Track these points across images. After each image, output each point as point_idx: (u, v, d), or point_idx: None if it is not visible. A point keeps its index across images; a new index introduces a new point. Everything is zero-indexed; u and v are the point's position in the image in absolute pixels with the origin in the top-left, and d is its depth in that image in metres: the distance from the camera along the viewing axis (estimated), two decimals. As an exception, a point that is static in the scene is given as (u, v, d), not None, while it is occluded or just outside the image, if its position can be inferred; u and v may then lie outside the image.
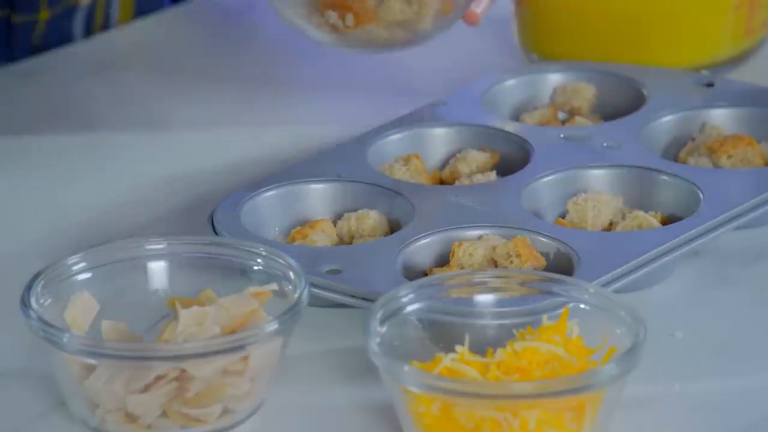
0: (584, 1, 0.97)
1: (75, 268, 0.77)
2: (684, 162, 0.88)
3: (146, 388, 0.72)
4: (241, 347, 0.73)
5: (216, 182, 0.91)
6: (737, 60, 0.99)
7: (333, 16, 0.88)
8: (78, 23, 1.06)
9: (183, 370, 0.72)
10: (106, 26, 1.07)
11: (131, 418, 0.72)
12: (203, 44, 1.06)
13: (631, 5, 0.96)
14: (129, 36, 1.07)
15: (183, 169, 0.93)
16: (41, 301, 0.75)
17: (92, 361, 0.72)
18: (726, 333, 0.78)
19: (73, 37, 1.06)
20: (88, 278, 0.76)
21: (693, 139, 0.89)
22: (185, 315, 0.73)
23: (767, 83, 0.93)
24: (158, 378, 0.72)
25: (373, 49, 0.89)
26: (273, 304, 0.76)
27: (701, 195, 0.84)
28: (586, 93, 0.94)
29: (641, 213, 0.84)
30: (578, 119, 0.92)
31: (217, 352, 0.72)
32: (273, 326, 0.73)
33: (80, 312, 0.74)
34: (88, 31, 1.06)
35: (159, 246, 0.77)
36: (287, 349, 0.76)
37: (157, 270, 0.77)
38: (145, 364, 0.71)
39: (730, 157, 0.87)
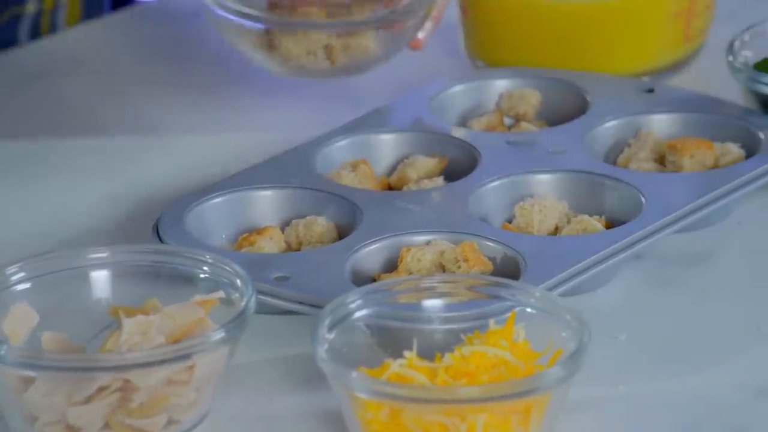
0: (529, 10, 0.93)
1: (13, 278, 0.70)
2: (624, 167, 0.84)
3: (88, 400, 0.66)
4: (186, 356, 0.67)
5: (161, 189, 0.85)
6: (676, 67, 0.95)
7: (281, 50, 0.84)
8: (23, 32, 0.98)
9: (126, 381, 0.66)
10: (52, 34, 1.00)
11: (72, 430, 0.66)
12: (148, 50, 1.00)
13: (575, 14, 0.92)
14: (72, 41, 1.01)
15: (127, 175, 0.87)
16: (-23, 312, 0.68)
17: (31, 373, 0.65)
18: (668, 335, 0.75)
19: (18, 45, 0.99)
20: (27, 288, 0.70)
21: (629, 145, 0.85)
22: (128, 324, 0.67)
23: (705, 89, 0.89)
24: (101, 389, 0.66)
25: (320, 77, 0.86)
26: (220, 312, 0.70)
27: (643, 199, 0.79)
28: (532, 99, 0.89)
29: (586, 217, 0.80)
30: (524, 125, 0.88)
31: (161, 362, 0.66)
32: (219, 335, 0.68)
33: (18, 323, 0.68)
34: (34, 38, 0.99)
35: (101, 255, 0.71)
36: (234, 357, 0.70)
37: (100, 279, 0.71)
38: (86, 375, 0.65)
39: (692, 156, 0.83)
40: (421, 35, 0.85)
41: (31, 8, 0.98)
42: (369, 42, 0.84)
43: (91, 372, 0.65)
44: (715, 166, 0.83)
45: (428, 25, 0.85)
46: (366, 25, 0.83)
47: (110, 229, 0.82)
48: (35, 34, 0.99)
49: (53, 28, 1.00)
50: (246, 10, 0.83)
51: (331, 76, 0.85)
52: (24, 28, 0.98)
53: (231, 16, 0.83)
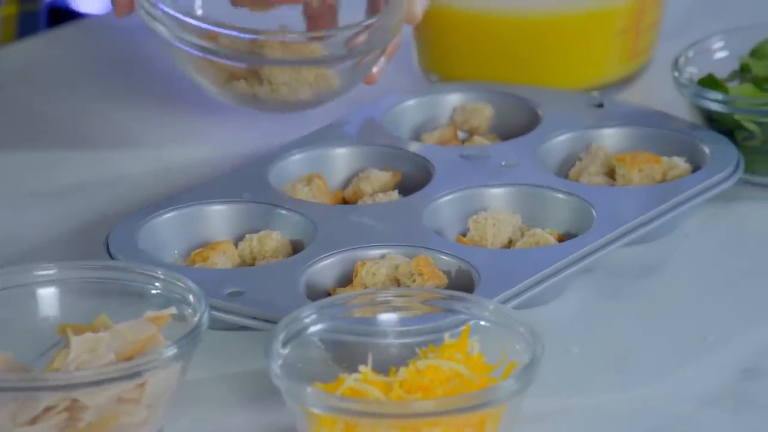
0: (482, 25, 0.90)
1: None
2: (576, 180, 0.81)
3: (34, 420, 0.61)
4: (137, 374, 0.62)
5: (112, 205, 0.80)
6: (625, 82, 0.92)
7: (241, 85, 0.81)
8: None
9: (75, 400, 0.61)
10: None
11: (19, 451, 0.61)
12: (95, 64, 0.96)
13: (526, 29, 0.89)
14: (16, 55, 0.96)
15: (76, 190, 0.82)
16: None
17: None
18: (619, 346, 0.72)
19: None
20: None
21: (580, 159, 0.83)
22: (77, 342, 0.63)
23: (652, 104, 0.87)
24: (47, 409, 0.61)
25: (280, 111, 0.82)
26: (172, 329, 0.66)
27: (594, 212, 0.77)
28: (485, 113, 0.86)
29: (539, 230, 0.76)
30: (477, 138, 0.85)
31: (111, 380, 0.62)
32: (171, 351, 0.64)
33: None
34: None
35: (49, 272, 0.67)
36: (187, 373, 0.65)
37: (47, 297, 0.67)
38: (32, 395, 0.61)
39: (641, 170, 0.81)
40: (375, 69, 0.82)
41: None
42: (331, 77, 0.81)
43: (36, 392, 0.60)
44: (663, 180, 0.81)
45: (382, 60, 0.83)
46: (328, 61, 0.80)
47: (59, 246, 0.78)
48: None
49: None
50: (207, 44, 0.79)
51: (291, 109, 0.82)
52: None
53: (194, 51, 0.79)
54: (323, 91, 0.81)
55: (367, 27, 0.80)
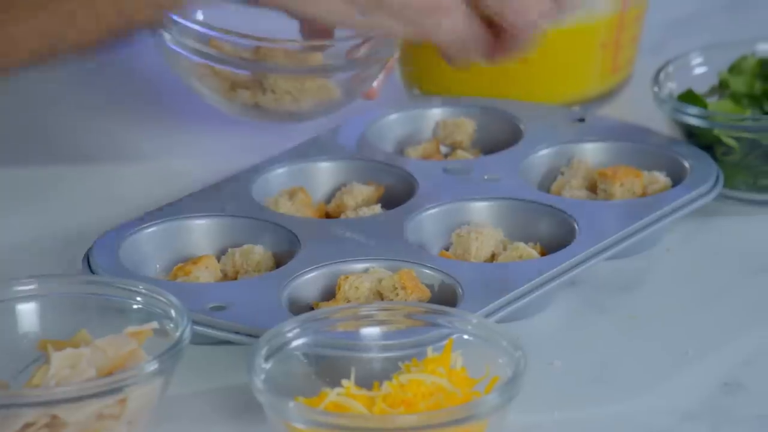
0: None
1: None
2: (558, 194, 0.79)
3: None
4: (117, 389, 0.60)
5: (93, 219, 0.77)
6: (605, 96, 0.90)
7: (245, 94, 0.79)
8: None
9: (55, 416, 0.59)
10: None
11: (-3, 469, 0.58)
12: (79, 78, 0.92)
13: None
14: None
15: (57, 204, 0.79)
16: None
17: None
18: (601, 360, 0.70)
19: None
20: None
21: (562, 173, 0.81)
22: (57, 358, 0.60)
23: (633, 119, 0.84)
24: (27, 425, 0.58)
25: (281, 121, 0.81)
26: (154, 344, 0.63)
27: (577, 226, 0.75)
28: (467, 127, 0.83)
29: (521, 244, 0.74)
30: (460, 153, 0.82)
31: (91, 396, 0.59)
32: (152, 366, 0.61)
33: None
34: None
35: (29, 287, 0.64)
36: (168, 389, 0.63)
37: (27, 312, 0.64)
38: (12, 412, 0.58)
39: (622, 185, 0.79)
40: (374, 84, 0.80)
41: None
42: (332, 89, 0.79)
43: (15, 408, 0.57)
44: (644, 194, 0.79)
45: (381, 75, 0.81)
46: (330, 71, 0.78)
47: (39, 260, 0.74)
48: None
49: None
50: (208, 50, 0.77)
51: (292, 120, 0.80)
52: None
53: (195, 57, 0.77)
54: (325, 103, 0.79)
55: (368, 39, 0.78)
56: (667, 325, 0.72)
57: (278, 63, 0.77)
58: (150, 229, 0.73)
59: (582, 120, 0.84)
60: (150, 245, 0.72)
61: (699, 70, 0.85)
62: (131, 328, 0.63)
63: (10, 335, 0.63)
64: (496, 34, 0.73)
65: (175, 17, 0.76)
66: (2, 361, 0.62)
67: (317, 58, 0.77)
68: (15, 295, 0.64)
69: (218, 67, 0.77)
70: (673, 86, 0.83)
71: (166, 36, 0.77)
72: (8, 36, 0.66)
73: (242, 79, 0.78)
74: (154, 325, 0.63)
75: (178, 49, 0.77)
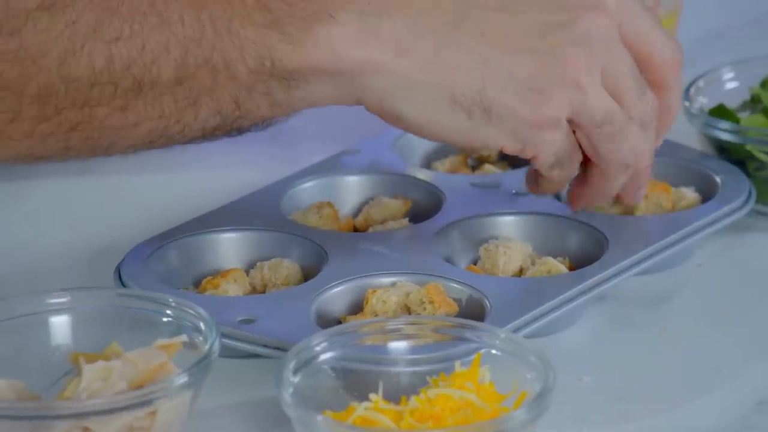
0: None
1: None
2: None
3: None
4: (148, 402, 0.62)
5: (124, 232, 0.79)
6: None
7: None
8: None
9: (86, 428, 0.60)
10: None
11: (29, 479, 0.61)
12: None
13: None
14: None
15: (88, 218, 0.81)
16: (-69, 360, 0.63)
17: None
18: (630, 377, 0.71)
19: None
20: None
21: None
22: (89, 370, 0.62)
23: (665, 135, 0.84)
24: None
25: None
26: (183, 357, 0.65)
27: (606, 241, 0.76)
28: None
29: (550, 259, 0.76)
30: (487, 167, 0.84)
31: (122, 409, 0.61)
32: (182, 379, 0.63)
33: None
34: None
35: (61, 300, 0.66)
36: (197, 402, 0.65)
37: (60, 325, 0.66)
38: (44, 424, 0.60)
39: (647, 197, 0.80)
40: None
41: None
42: None
43: (48, 420, 0.59)
44: (672, 209, 0.80)
45: None
46: None
47: (71, 273, 0.76)
48: None
49: None
50: None
51: None
52: None
53: None
54: None
55: None
56: (699, 342, 0.73)
57: None
58: (180, 242, 0.75)
59: (612, 134, 0.86)
60: (180, 258, 0.74)
61: (730, 85, 0.86)
62: (161, 341, 0.65)
63: (43, 348, 0.65)
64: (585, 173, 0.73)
65: None
66: (35, 373, 0.64)
67: None
68: (48, 308, 0.66)
69: None
70: (704, 101, 0.85)
71: None
72: (128, 122, 0.67)
73: None
74: (184, 338, 0.65)
75: None
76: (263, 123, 0.70)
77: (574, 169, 0.73)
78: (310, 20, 0.66)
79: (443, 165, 0.84)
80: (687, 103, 0.83)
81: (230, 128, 0.69)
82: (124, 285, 0.72)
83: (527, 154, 0.72)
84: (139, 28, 0.65)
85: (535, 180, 0.75)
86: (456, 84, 0.68)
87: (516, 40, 0.69)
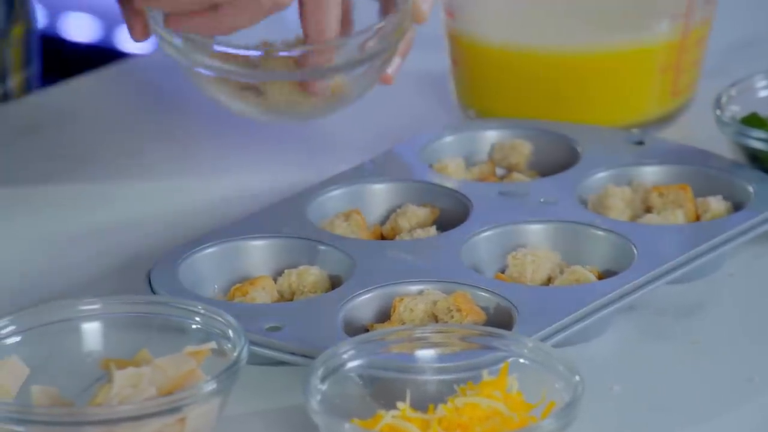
0: (520, 62, 0.91)
1: (3, 331, 0.67)
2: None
3: None
4: (177, 409, 0.64)
5: (153, 239, 0.82)
6: (665, 120, 0.93)
7: (251, 95, 0.83)
8: None
9: None
10: (3, 78, 0.96)
11: (61, 484, 0.63)
12: (138, 102, 0.97)
13: (564, 66, 0.90)
14: (62, 95, 0.98)
15: (118, 225, 0.84)
16: (-33, 367, 0.65)
17: (20, 429, 0.62)
18: (661, 386, 0.72)
19: None
20: (17, 342, 0.67)
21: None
22: (119, 377, 0.64)
23: (693, 142, 0.87)
24: None
25: (296, 120, 0.85)
26: (211, 363, 0.67)
27: (635, 250, 0.77)
28: (523, 149, 0.87)
29: (579, 268, 0.77)
30: (516, 175, 0.85)
31: (152, 415, 0.63)
32: (211, 386, 0.65)
33: (8, 377, 0.65)
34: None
35: (93, 306, 0.68)
36: (225, 409, 0.67)
37: (91, 331, 0.68)
38: (76, 429, 0.62)
39: (661, 195, 0.81)
40: (390, 70, 0.84)
41: None
42: (344, 83, 0.82)
43: (81, 426, 0.62)
44: (693, 207, 0.81)
45: (397, 60, 0.84)
46: (340, 69, 0.81)
47: (102, 281, 0.79)
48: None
49: (3, 74, 0.96)
50: (225, 66, 0.81)
51: (309, 118, 0.84)
52: None
53: (207, 72, 0.81)
54: (339, 98, 0.83)
55: (377, 31, 0.81)
56: (731, 352, 0.74)
57: (292, 70, 0.80)
58: (209, 250, 0.76)
59: (641, 143, 0.86)
60: (209, 266, 0.76)
61: (763, 93, 0.87)
62: (190, 348, 0.67)
63: (75, 354, 0.67)
64: None
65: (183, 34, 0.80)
66: (68, 379, 0.66)
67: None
68: (80, 315, 0.68)
69: (230, 78, 0.81)
70: (736, 109, 0.86)
71: (177, 55, 0.80)
72: None
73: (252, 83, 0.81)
74: (213, 345, 0.67)
75: (194, 67, 0.80)
76: None
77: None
78: None
79: (471, 173, 0.85)
80: (719, 112, 0.85)
81: None
82: (154, 292, 0.73)
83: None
84: None
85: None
86: None
87: None
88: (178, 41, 0.80)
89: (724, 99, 0.86)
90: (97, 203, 0.87)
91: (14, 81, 0.98)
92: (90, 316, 0.68)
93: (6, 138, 0.93)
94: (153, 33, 0.82)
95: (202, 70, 0.81)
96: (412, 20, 0.83)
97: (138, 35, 0.82)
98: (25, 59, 0.98)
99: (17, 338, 0.67)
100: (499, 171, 0.86)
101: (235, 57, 0.80)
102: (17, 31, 0.97)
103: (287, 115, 0.83)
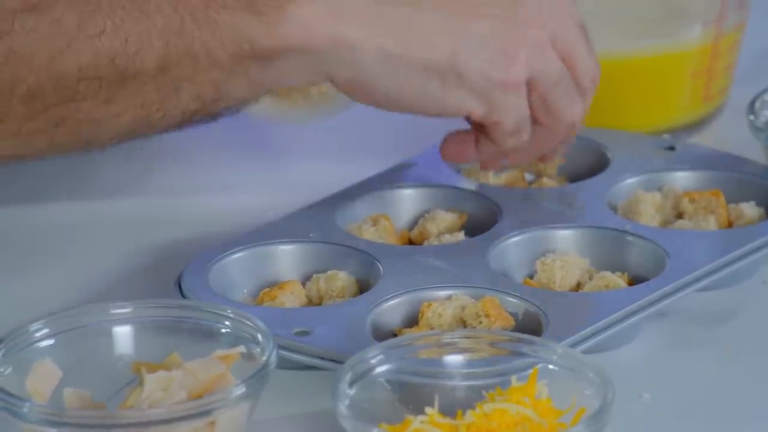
0: None
1: (37, 334, 0.69)
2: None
3: None
4: (207, 412, 0.65)
5: (183, 244, 0.83)
6: (697, 125, 0.94)
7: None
8: None
9: None
10: None
11: (93, 486, 0.65)
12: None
13: None
14: None
15: (149, 230, 0.85)
16: (1, 369, 0.67)
17: (53, 431, 0.64)
18: (692, 394, 0.73)
19: None
20: (50, 345, 0.69)
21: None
22: (150, 380, 0.66)
23: (726, 148, 0.88)
24: None
25: (310, 119, 0.86)
26: (241, 367, 0.68)
27: (666, 256, 0.78)
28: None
29: (608, 274, 0.78)
30: (545, 180, 0.87)
31: (182, 418, 0.65)
32: (240, 390, 0.66)
33: (42, 380, 0.67)
34: None
35: (124, 310, 0.70)
36: (254, 412, 0.68)
37: (123, 335, 0.70)
38: (108, 432, 0.64)
39: (692, 200, 0.82)
40: None
41: None
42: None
43: (112, 429, 0.63)
44: (725, 212, 0.82)
45: None
46: None
47: (133, 284, 0.80)
48: None
49: None
50: None
51: (321, 115, 0.85)
52: None
53: None
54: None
55: None
56: (763, 360, 0.74)
57: None
58: (238, 255, 0.78)
59: (672, 148, 0.87)
60: (238, 270, 0.78)
61: (797, 98, 0.88)
62: (220, 352, 0.68)
63: (107, 357, 0.69)
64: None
65: None
66: (99, 382, 0.68)
67: None
68: (111, 318, 0.70)
69: None
70: None
71: None
72: (111, 113, 0.72)
73: None
74: (242, 349, 0.68)
75: None
76: (239, 106, 0.75)
77: (527, 137, 0.79)
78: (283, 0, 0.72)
79: (500, 178, 0.86)
80: (752, 117, 0.86)
81: (209, 112, 0.74)
82: (184, 296, 0.75)
83: (492, 119, 0.77)
84: (120, 22, 0.70)
85: (478, 151, 0.80)
86: (429, 52, 0.74)
87: (477, 8, 0.75)
88: None
89: (757, 104, 0.86)
90: (130, 209, 0.88)
91: None
92: (121, 320, 0.70)
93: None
94: None
95: None
96: None
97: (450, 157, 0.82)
98: None
99: (50, 341, 0.69)
100: (528, 176, 0.87)
101: None
102: None
103: (304, 114, 0.85)
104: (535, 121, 0.78)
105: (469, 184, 0.84)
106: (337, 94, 0.80)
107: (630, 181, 0.84)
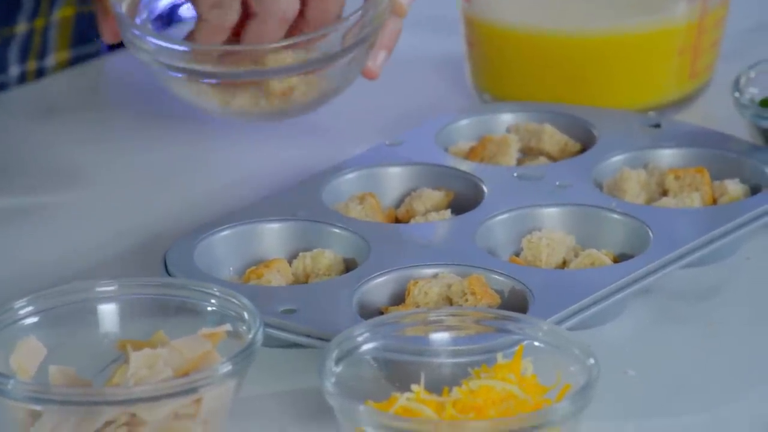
0: (536, 44, 0.92)
1: (21, 312, 0.69)
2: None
3: None
4: (193, 390, 0.66)
5: (169, 222, 0.84)
6: (683, 102, 0.94)
7: (243, 99, 0.85)
8: (13, 55, 0.97)
9: (133, 415, 0.65)
10: (42, 55, 0.98)
11: (79, 464, 0.65)
12: (153, 87, 0.97)
13: (581, 49, 0.92)
14: (74, 78, 1.00)
15: (135, 209, 0.86)
16: (-15, 347, 0.68)
17: (38, 408, 0.65)
18: (678, 370, 0.74)
19: (8, 65, 0.97)
20: (35, 323, 0.69)
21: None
22: (136, 358, 0.67)
23: (711, 125, 0.89)
24: (108, 423, 0.65)
25: (279, 119, 0.86)
26: (227, 345, 0.69)
27: (651, 233, 0.79)
28: (554, 136, 0.87)
29: (594, 251, 0.79)
30: (531, 158, 0.87)
31: (168, 396, 0.65)
32: (226, 368, 0.67)
33: (26, 357, 0.67)
34: (24, 59, 0.98)
35: (109, 288, 0.71)
36: (241, 390, 0.69)
37: (108, 313, 0.70)
38: (93, 410, 0.64)
39: (677, 178, 0.83)
40: (374, 64, 0.85)
41: (21, 28, 0.97)
42: (327, 78, 0.84)
43: (98, 406, 0.64)
44: (710, 189, 0.82)
45: (382, 54, 0.85)
46: (320, 63, 0.83)
47: (119, 263, 0.81)
48: (24, 57, 0.98)
49: (43, 52, 0.98)
50: (195, 67, 0.82)
51: (291, 116, 0.86)
52: (14, 50, 0.97)
53: (179, 75, 0.83)
54: (324, 92, 0.84)
55: (356, 22, 0.82)
56: (747, 335, 0.75)
57: (277, 65, 0.82)
58: (224, 233, 0.78)
59: (658, 126, 0.88)
60: (224, 248, 0.78)
61: (782, 75, 0.89)
62: (206, 330, 0.69)
63: (92, 335, 0.69)
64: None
65: (150, 37, 0.81)
66: (85, 360, 0.68)
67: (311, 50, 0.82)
68: (96, 296, 0.70)
69: (208, 81, 0.83)
70: (754, 91, 0.87)
71: (147, 58, 0.82)
72: None
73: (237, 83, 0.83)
74: (228, 327, 0.69)
75: (167, 72, 0.82)
76: None
77: (233, 15, 0.79)
78: None
79: (487, 157, 0.85)
80: (737, 94, 0.86)
81: None
82: (170, 274, 0.75)
83: None
84: None
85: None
86: None
87: None
88: (150, 44, 0.81)
89: (742, 81, 0.87)
90: (113, 187, 0.88)
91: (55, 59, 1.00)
92: (107, 298, 0.70)
93: (16, 122, 0.95)
94: (122, 36, 0.83)
95: (177, 75, 0.82)
96: (391, 12, 0.84)
97: (108, 37, 0.83)
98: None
99: (35, 319, 0.69)
100: (518, 156, 0.86)
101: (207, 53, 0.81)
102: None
103: (270, 115, 0.85)
104: (247, 9, 0.79)
105: (456, 163, 0.85)
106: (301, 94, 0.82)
107: (616, 158, 0.85)
